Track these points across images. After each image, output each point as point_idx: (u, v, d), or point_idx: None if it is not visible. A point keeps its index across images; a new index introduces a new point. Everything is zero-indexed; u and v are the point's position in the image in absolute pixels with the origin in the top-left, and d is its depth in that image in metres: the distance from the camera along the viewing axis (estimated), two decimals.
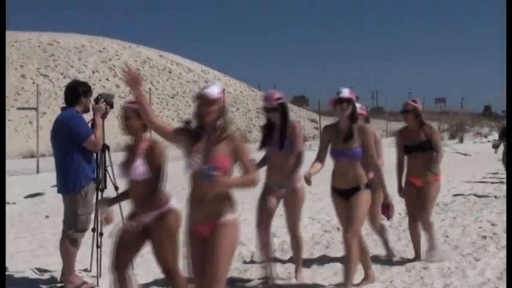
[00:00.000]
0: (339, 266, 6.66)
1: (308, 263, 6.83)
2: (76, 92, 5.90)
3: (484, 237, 8.21)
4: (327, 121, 49.48)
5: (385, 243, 7.15)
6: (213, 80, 47.79)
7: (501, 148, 13.12)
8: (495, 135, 23.41)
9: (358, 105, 5.78)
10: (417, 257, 6.91)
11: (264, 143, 6.09)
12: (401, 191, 7.11)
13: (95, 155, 5.99)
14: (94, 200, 5.92)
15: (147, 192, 4.58)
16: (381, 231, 7.11)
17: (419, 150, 6.75)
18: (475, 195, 12.29)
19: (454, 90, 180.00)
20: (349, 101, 5.41)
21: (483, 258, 6.96)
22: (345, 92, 5.43)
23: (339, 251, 7.36)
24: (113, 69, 40.86)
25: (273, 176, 6.05)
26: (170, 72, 45.13)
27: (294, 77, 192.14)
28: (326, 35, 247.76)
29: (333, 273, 6.36)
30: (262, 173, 5.47)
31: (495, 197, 11.88)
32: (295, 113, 47.11)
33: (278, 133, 5.92)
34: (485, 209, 10.52)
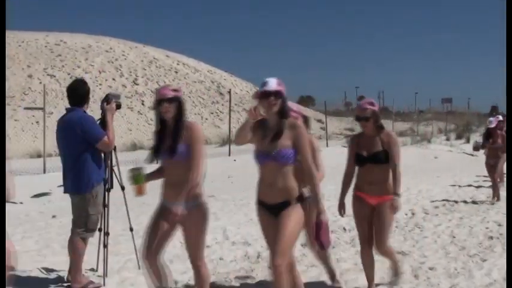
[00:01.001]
0: (345, 266, 6.67)
1: (314, 263, 6.81)
2: (82, 91, 5.89)
3: (491, 237, 8.19)
4: (333, 121, 49.58)
5: (329, 271, 6.02)
6: (219, 80, 47.85)
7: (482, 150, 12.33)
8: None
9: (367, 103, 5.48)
10: None
11: (156, 151, 4.78)
12: (341, 208, 5.94)
13: (103, 154, 5.98)
14: (102, 200, 5.92)
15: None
16: (322, 257, 5.89)
17: (373, 162, 5.51)
18: (471, 202, 12.26)
19: (461, 91, 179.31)
20: (277, 94, 4.44)
21: (490, 259, 6.94)
22: (272, 84, 4.47)
23: (344, 252, 7.36)
24: (120, 69, 40.94)
25: (166, 192, 4.78)
26: (176, 72, 45.17)
27: (301, 77, 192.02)
28: (333, 35, 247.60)
29: (339, 273, 6.34)
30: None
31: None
32: None
33: (170, 136, 4.68)
34: (492, 210, 10.49)
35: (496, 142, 11.58)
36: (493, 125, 11.67)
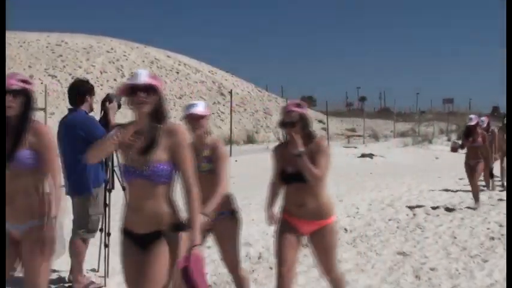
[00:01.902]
0: (346, 266, 6.66)
1: (315, 264, 6.82)
2: (82, 91, 5.86)
3: (492, 238, 8.19)
4: (334, 122, 49.52)
5: None
6: (221, 80, 47.84)
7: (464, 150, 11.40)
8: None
9: None
10: None
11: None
12: (271, 219, 4.86)
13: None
14: (103, 201, 5.93)
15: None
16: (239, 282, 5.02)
17: (300, 181, 4.48)
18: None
19: (462, 91, 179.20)
20: (148, 89, 3.52)
21: (491, 260, 6.94)
22: (142, 76, 3.55)
23: (346, 252, 7.36)
24: (121, 70, 40.94)
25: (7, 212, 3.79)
26: (178, 72, 45.17)
27: (302, 78, 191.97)
28: (334, 35, 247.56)
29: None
30: None
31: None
32: None
33: (10, 139, 3.76)
34: (493, 210, 10.49)
35: (476, 141, 10.76)
36: (472, 122, 10.82)
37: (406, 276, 6.29)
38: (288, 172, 4.58)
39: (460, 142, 11.46)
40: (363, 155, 22.89)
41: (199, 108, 4.68)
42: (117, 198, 7.21)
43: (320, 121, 45.44)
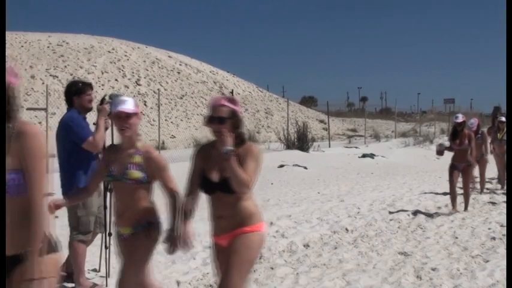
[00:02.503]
0: (347, 266, 6.66)
1: (316, 263, 6.82)
2: (68, 92, 5.84)
3: (494, 238, 8.18)
4: (335, 122, 49.48)
5: None
6: (222, 80, 47.82)
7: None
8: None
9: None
10: None
11: None
12: (186, 241, 4.00)
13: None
14: (98, 202, 5.92)
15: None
16: None
17: (224, 191, 3.80)
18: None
19: (463, 91, 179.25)
20: None
21: (492, 260, 6.94)
22: None
23: (347, 252, 7.36)
24: (122, 70, 40.96)
25: None
26: (179, 72, 45.19)
27: (303, 78, 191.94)
28: (335, 36, 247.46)
29: (341, 274, 6.35)
30: None
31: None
32: (304, 113, 47.11)
33: None
34: (494, 210, 10.49)
35: (463, 143, 10.11)
36: (459, 120, 10.20)
37: (408, 276, 6.29)
38: (211, 180, 3.84)
39: (446, 144, 10.64)
40: (364, 155, 22.89)
41: (128, 105, 4.07)
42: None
43: (321, 121, 45.49)
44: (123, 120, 4.05)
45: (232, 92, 26.95)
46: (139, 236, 4.12)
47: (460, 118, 10.28)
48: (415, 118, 49.88)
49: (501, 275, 6.27)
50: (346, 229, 8.80)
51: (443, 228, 8.92)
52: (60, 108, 31.95)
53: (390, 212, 10.15)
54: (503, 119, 13.39)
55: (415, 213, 10.21)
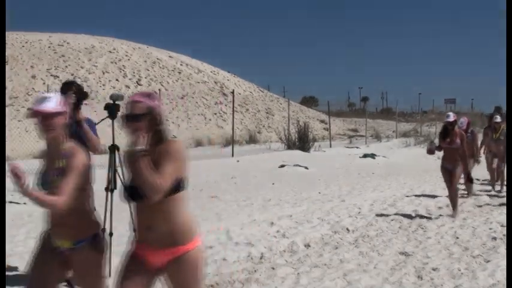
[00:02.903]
0: (348, 266, 6.66)
1: (317, 263, 6.82)
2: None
3: (495, 238, 8.18)
4: (336, 122, 49.48)
5: None
6: (223, 80, 47.83)
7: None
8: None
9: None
10: None
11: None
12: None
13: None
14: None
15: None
16: None
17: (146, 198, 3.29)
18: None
19: (464, 91, 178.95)
20: None
21: (493, 260, 6.93)
22: None
23: (348, 252, 7.36)
24: (123, 70, 40.99)
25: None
26: (180, 73, 45.21)
27: (304, 78, 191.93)
28: (336, 35, 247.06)
29: (342, 274, 6.35)
30: None
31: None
32: (305, 113, 47.12)
33: None
34: (495, 210, 10.48)
35: (454, 142, 9.71)
36: (450, 119, 9.83)
37: (408, 276, 6.28)
38: (130, 184, 3.40)
39: (437, 143, 10.30)
40: (365, 155, 22.88)
41: (50, 104, 3.54)
42: (120, 198, 7.23)
43: (322, 121, 45.50)
44: (42, 121, 3.52)
45: (233, 92, 26.94)
46: (83, 252, 3.61)
47: (452, 117, 9.94)
48: (416, 118, 49.87)
49: (502, 275, 6.27)
50: (347, 229, 8.80)
51: (444, 228, 8.92)
52: None
53: (391, 212, 10.14)
54: (499, 119, 13.29)
55: (416, 213, 10.20)
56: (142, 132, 3.35)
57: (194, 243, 3.45)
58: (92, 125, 5.91)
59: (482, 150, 13.62)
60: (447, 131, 9.88)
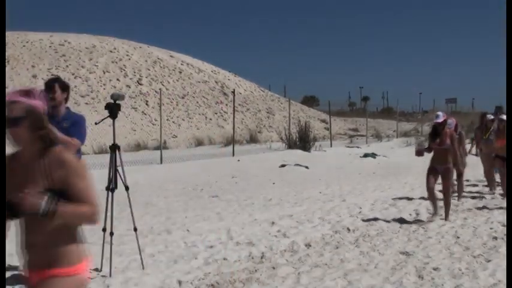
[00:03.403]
0: (349, 266, 6.66)
1: (318, 263, 6.82)
2: None
3: (495, 238, 8.17)
4: (337, 121, 49.37)
5: None
6: (223, 80, 47.83)
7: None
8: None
9: None
10: None
11: None
12: None
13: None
14: None
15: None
16: None
17: (30, 216, 2.82)
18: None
19: (465, 91, 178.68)
20: None
21: (494, 259, 6.93)
22: None
23: (348, 252, 7.36)
24: (124, 70, 40.98)
25: None
26: (181, 72, 45.20)
27: (305, 77, 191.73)
28: (336, 35, 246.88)
29: (343, 273, 6.35)
30: None
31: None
32: (305, 113, 47.12)
33: None
34: (496, 210, 10.47)
35: (445, 142, 9.35)
36: (440, 120, 9.44)
37: (409, 276, 6.28)
38: (13, 201, 2.73)
39: (426, 144, 9.89)
40: (366, 155, 22.88)
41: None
42: (121, 197, 7.25)
43: (323, 121, 45.50)
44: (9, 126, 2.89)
45: (233, 92, 26.94)
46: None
47: (441, 117, 9.52)
48: (417, 118, 49.79)
49: (503, 274, 6.26)
50: (348, 229, 8.80)
51: (445, 227, 8.91)
52: None
53: (392, 212, 10.14)
54: (491, 117, 13.07)
55: (417, 212, 10.20)
56: (24, 140, 2.85)
57: (73, 270, 2.92)
58: (80, 120, 5.83)
59: (474, 151, 13.52)
60: (437, 132, 9.52)
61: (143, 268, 6.39)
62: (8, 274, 6.02)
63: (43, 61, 39.15)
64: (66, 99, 5.85)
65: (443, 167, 9.48)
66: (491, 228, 8.80)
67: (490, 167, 12.55)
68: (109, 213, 6.12)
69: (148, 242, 7.69)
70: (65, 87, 5.85)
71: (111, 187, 6.06)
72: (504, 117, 11.52)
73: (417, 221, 9.46)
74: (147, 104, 36.96)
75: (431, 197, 9.61)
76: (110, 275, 6.07)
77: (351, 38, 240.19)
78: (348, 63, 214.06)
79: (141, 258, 6.43)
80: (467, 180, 13.87)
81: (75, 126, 5.70)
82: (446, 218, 9.44)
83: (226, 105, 40.63)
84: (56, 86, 5.74)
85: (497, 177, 12.56)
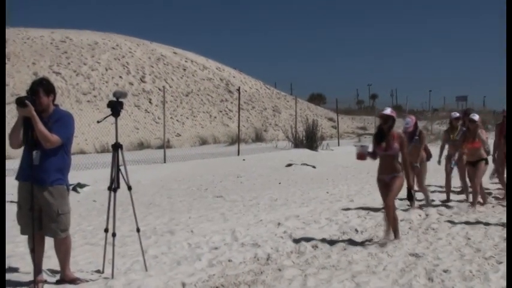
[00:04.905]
0: (357, 268, 6.64)
1: (325, 265, 6.81)
2: None
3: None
4: (345, 120, 49.32)
5: None
6: (228, 77, 47.84)
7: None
8: None
9: None
10: None
11: None
12: None
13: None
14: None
15: None
16: None
17: None
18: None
19: (476, 88, 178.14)
20: None
21: (506, 261, 6.90)
22: None
23: (356, 253, 7.34)
24: (126, 67, 41.04)
25: None
26: (184, 69, 45.23)
27: (312, 75, 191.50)
28: (344, 31, 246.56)
29: (350, 275, 6.34)
30: None
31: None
32: (312, 111, 47.09)
33: None
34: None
35: (391, 147, 7.80)
36: (387, 112, 7.94)
37: (419, 279, 6.27)
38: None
39: (368, 147, 8.32)
40: None
41: None
42: (123, 197, 7.25)
43: (330, 119, 45.45)
44: None
45: (239, 89, 26.95)
46: None
47: (389, 111, 8.00)
48: (427, 116, 49.75)
49: None
50: (356, 230, 8.79)
51: (455, 228, 8.89)
52: (63, 106, 32.06)
53: (401, 213, 10.11)
54: (456, 114, 12.12)
55: (427, 213, 10.18)
56: None
57: None
58: (64, 117, 5.81)
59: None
60: (382, 133, 7.94)
61: (146, 270, 6.39)
62: (8, 275, 6.03)
63: (44, 58, 39.23)
64: (53, 100, 5.84)
65: (390, 177, 7.91)
66: (503, 230, 8.77)
67: (463, 171, 11.34)
68: (111, 214, 6.12)
69: (151, 243, 7.70)
70: (50, 90, 5.78)
71: (113, 187, 6.07)
72: (476, 117, 10.51)
73: (427, 222, 9.42)
74: (150, 102, 37.00)
75: (388, 215, 7.99)
76: (112, 277, 6.08)
77: (358, 35, 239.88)
78: (356, 61, 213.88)
79: (144, 260, 6.43)
80: (429, 185, 12.56)
81: (58, 122, 5.71)
82: (395, 236, 8.00)
83: (232, 103, 40.64)
84: (40, 92, 5.69)
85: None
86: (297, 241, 7.95)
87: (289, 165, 18.45)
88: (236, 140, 24.56)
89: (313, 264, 6.86)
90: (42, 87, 5.73)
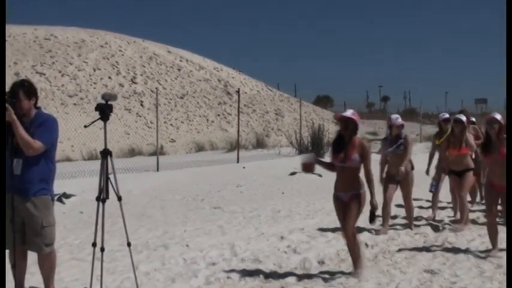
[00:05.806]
0: (367, 286, 6.64)
1: (332, 283, 6.81)
2: None
3: None
4: None
5: None
6: (227, 78, 47.89)
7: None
8: None
9: None
10: None
11: None
12: None
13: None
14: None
15: None
16: None
17: None
18: None
19: (496, 90, 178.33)
20: None
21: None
22: None
23: (367, 270, 7.34)
24: (116, 67, 41.14)
25: None
26: (179, 69, 45.34)
27: (318, 75, 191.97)
28: (353, 30, 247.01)
29: None
30: None
31: None
32: (318, 115, 47.12)
33: None
34: None
35: (349, 158, 7.04)
36: (348, 114, 7.18)
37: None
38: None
39: (310, 157, 7.50)
40: None
41: None
42: (113, 209, 7.25)
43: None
44: None
45: (238, 91, 26.99)
46: None
47: (350, 113, 7.18)
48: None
49: None
50: (366, 244, 8.78)
51: (474, 243, 8.88)
52: (47, 108, 32.11)
53: (415, 225, 10.10)
54: (445, 115, 11.67)
55: (443, 226, 10.17)
56: None
57: None
58: (47, 121, 5.81)
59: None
60: (341, 140, 7.12)
61: (137, 287, 6.39)
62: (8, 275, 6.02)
63: (27, 57, 39.34)
64: (35, 104, 5.85)
65: (348, 196, 7.14)
66: None
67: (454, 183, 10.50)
68: (100, 226, 6.12)
69: (143, 259, 7.69)
70: (31, 93, 5.78)
71: (102, 197, 6.06)
72: (463, 118, 9.86)
73: (443, 235, 9.41)
74: (142, 105, 37.07)
75: (349, 247, 7.27)
76: None
77: (368, 33, 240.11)
78: (366, 60, 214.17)
79: (135, 277, 6.42)
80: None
81: (41, 126, 5.71)
82: (354, 267, 7.13)
83: (230, 106, 40.69)
84: (20, 94, 5.67)
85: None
86: (301, 256, 7.95)
87: (293, 173, 18.45)
88: (235, 146, 24.57)
89: (319, 282, 6.86)
90: (22, 89, 5.72)
